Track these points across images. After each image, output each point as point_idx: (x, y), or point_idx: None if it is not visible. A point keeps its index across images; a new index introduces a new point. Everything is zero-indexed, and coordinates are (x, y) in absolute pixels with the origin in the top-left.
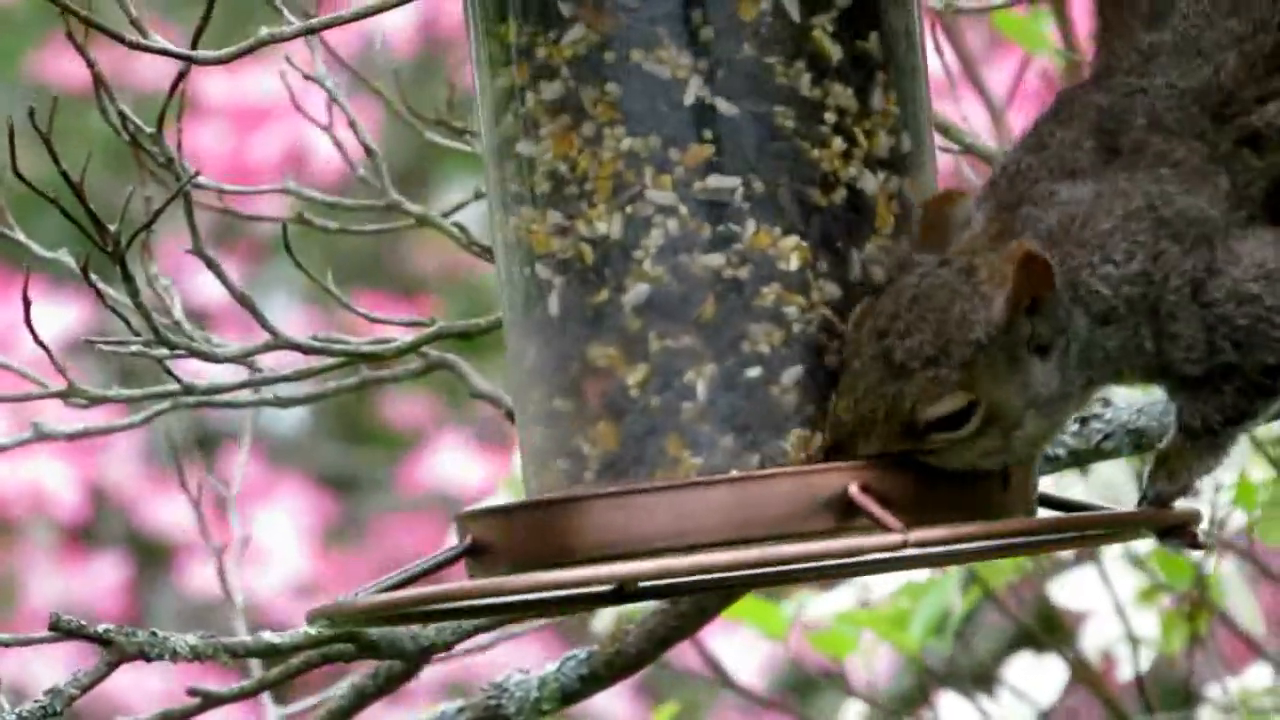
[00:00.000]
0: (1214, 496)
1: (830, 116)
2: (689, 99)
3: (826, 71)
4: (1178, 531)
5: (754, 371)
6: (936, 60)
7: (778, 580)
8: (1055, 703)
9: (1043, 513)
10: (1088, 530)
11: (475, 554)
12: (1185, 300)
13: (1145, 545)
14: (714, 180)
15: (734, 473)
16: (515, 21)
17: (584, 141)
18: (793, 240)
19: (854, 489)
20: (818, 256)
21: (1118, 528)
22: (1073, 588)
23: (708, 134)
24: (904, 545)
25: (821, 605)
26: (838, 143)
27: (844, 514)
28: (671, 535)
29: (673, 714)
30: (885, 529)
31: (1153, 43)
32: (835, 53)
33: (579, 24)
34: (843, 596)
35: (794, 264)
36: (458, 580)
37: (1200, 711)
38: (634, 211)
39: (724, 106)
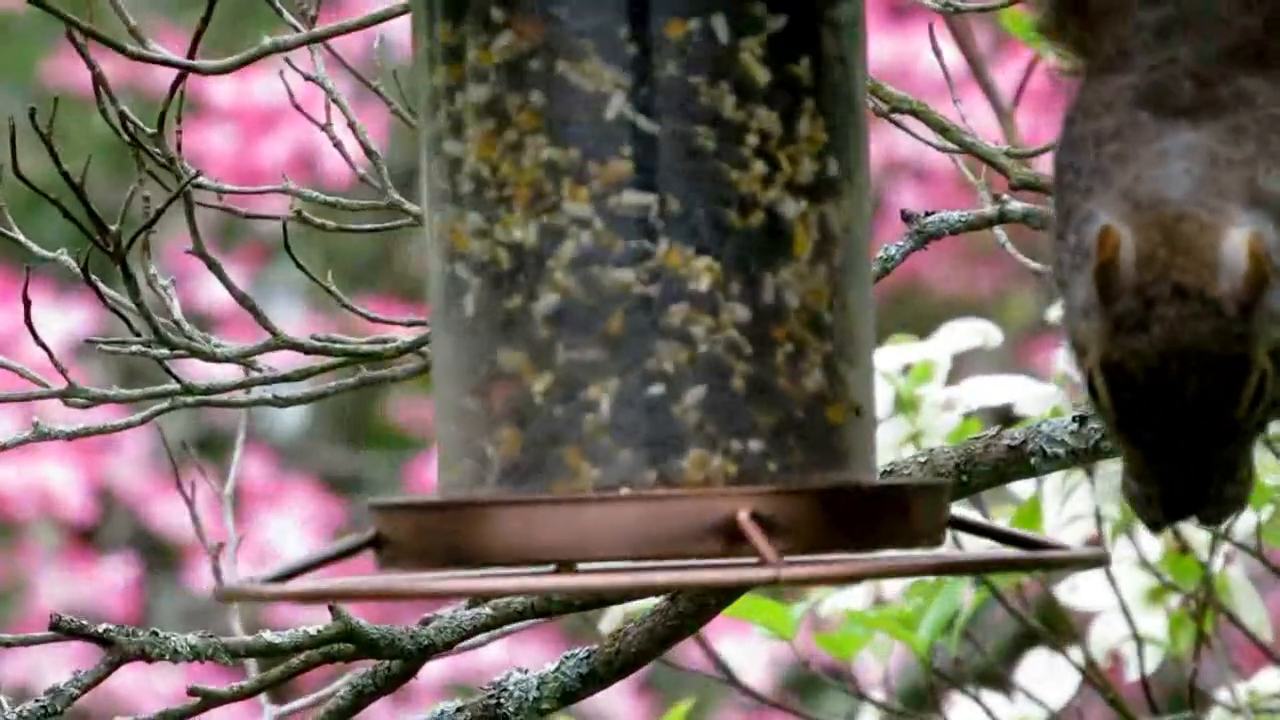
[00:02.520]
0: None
1: (753, 139)
2: (611, 114)
3: (752, 95)
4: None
5: (657, 389)
6: (935, 61)
7: (663, 591)
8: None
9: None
10: (980, 568)
11: (380, 546)
12: None
13: (1152, 547)
14: (630, 196)
15: (625, 491)
16: (450, 21)
17: (506, 147)
18: (705, 261)
19: (743, 515)
20: (730, 278)
21: (1016, 569)
22: (1081, 587)
23: (627, 150)
24: (776, 580)
25: (833, 604)
26: (759, 166)
27: (733, 540)
28: (570, 549)
29: (684, 713)
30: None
31: (1160, 18)
32: (762, 76)
33: (510, 30)
34: (854, 595)
35: (705, 284)
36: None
37: (1210, 714)
38: (550, 221)
39: (645, 123)
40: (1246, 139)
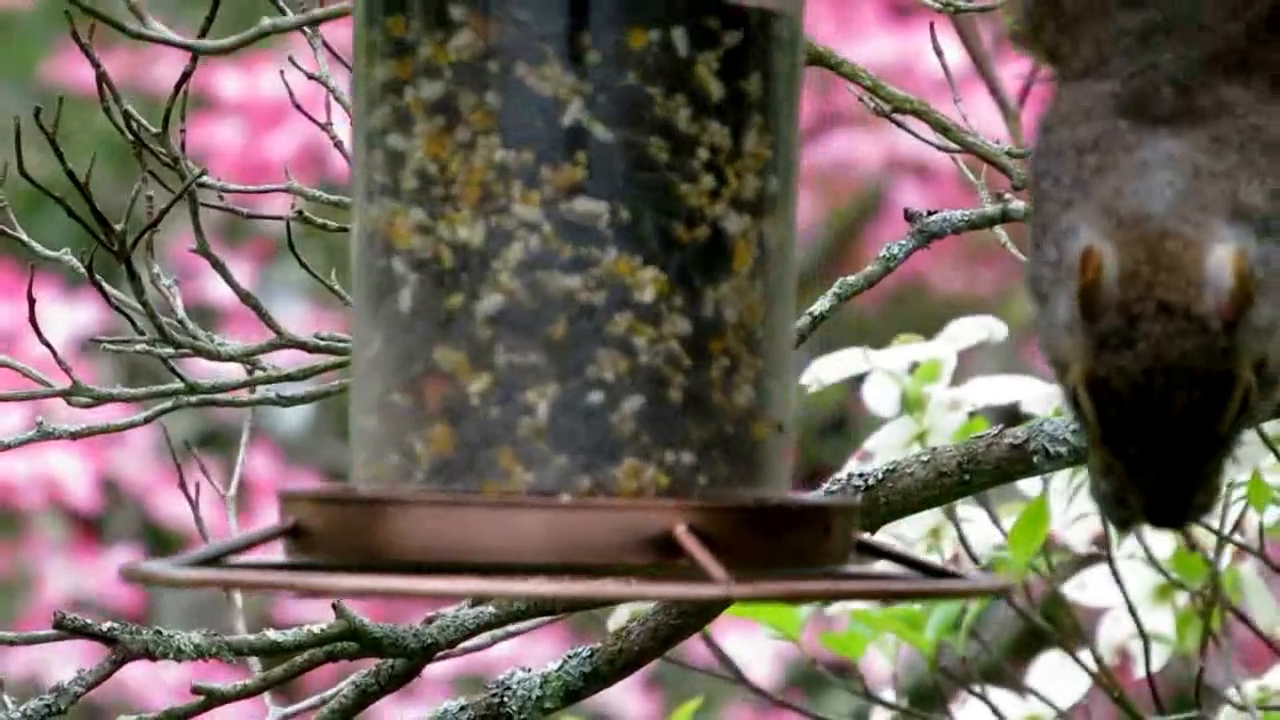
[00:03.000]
0: (1227, 495)
1: (704, 153)
2: (567, 120)
3: (706, 108)
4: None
5: (596, 397)
6: (937, 60)
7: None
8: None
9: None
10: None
11: (295, 535)
12: None
13: (1159, 545)
14: (581, 203)
15: (566, 498)
16: (405, 16)
17: (457, 146)
18: (652, 272)
19: (680, 529)
20: (674, 290)
21: (915, 597)
22: (1089, 585)
23: (581, 156)
24: (727, 598)
25: (841, 603)
26: (708, 180)
27: (666, 552)
28: (498, 552)
29: (693, 710)
30: (707, 574)
31: (1142, 24)
32: (716, 90)
33: (468, 29)
34: None
35: (650, 295)
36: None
37: (1220, 711)
38: (498, 223)
39: (600, 131)
40: (1228, 150)
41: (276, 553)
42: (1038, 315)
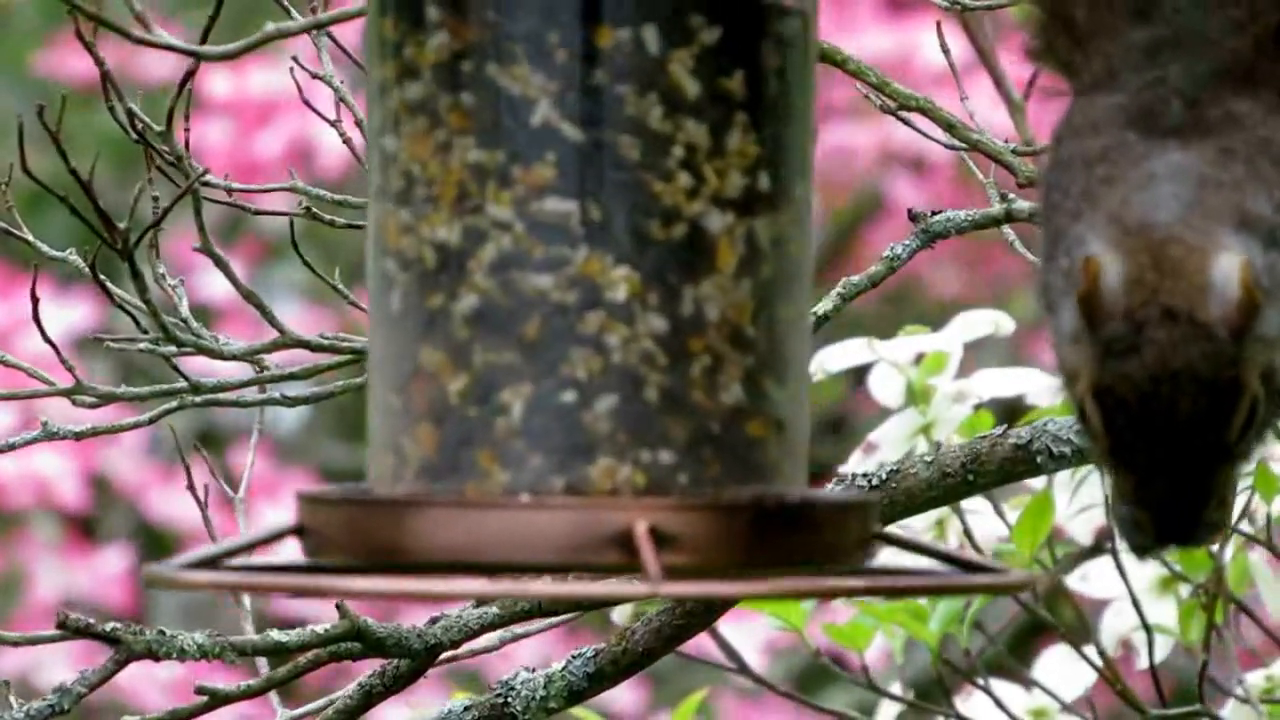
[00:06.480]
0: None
1: (679, 151)
2: (537, 119)
3: (680, 106)
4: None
5: (569, 396)
6: (934, 55)
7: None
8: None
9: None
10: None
11: (304, 535)
12: None
13: None
14: (552, 203)
15: (525, 497)
16: (392, 18)
17: (436, 146)
18: (624, 271)
19: (639, 528)
20: (648, 289)
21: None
22: (1092, 577)
23: (551, 156)
24: (654, 596)
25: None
26: (684, 178)
27: (633, 552)
28: (473, 551)
29: (695, 705)
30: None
31: (1152, 37)
32: (692, 88)
33: (444, 30)
34: None
35: (622, 294)
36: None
37: (1227, 703)
38: (473, 223)
39: (570, 130)
40: (1234, 161)
41: (275, 553)
42: (1048, 324)
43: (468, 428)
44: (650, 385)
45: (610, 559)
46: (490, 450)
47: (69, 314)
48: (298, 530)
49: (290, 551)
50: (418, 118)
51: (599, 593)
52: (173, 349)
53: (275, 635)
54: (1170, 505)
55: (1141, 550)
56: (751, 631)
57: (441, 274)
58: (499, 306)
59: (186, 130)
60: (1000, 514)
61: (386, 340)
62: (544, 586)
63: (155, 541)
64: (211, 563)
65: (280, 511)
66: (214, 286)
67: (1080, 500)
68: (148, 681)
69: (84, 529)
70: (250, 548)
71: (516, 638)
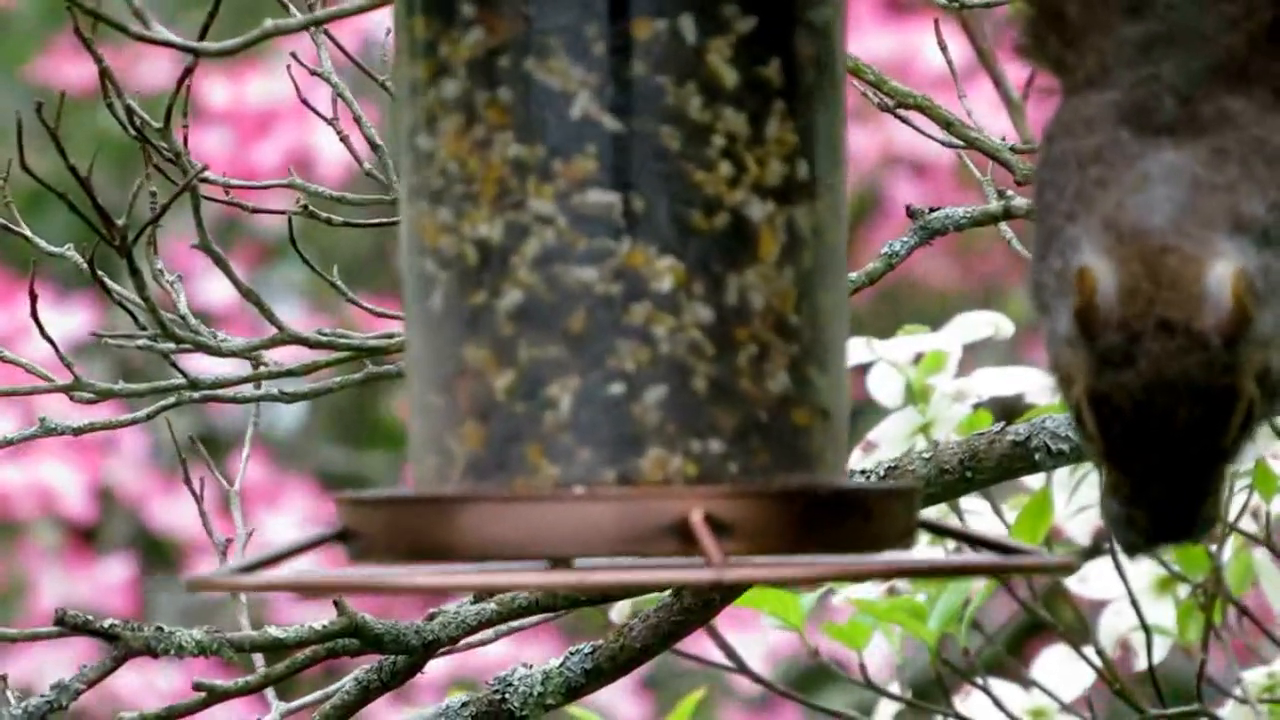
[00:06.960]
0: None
1: (719, 140)
2: (576, 112)
3: (719, 95)
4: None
5: (617, 388)
6: (933, 55)
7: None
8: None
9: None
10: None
11: (348, 538)
12: None
13: None
14: (594, 195)
15: (579, 489)
16: (424, 16)
17: (474, 143)
18: (669, 261)
19: (695, 516)
20: (693, 279)
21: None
22: (1090, 577)
23: (592, 149)
24: (719, 582)
25: (845, 594)
26: (725, 167)
27: (689, 540)
28: (527, 546)
29: (693, 705)
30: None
31: (1145, 33)
32: (730, 77)
33: (480, 26)
34: (865, 585)
35: (667, 285)
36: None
37: (1226, 704)
38: (515, 218)
39: (610, 122)
40: (1229, 162)
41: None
42: (1041, 324)
43: (515, 424)
44: (698, 375)
45: (666, 548)
46: (539, 445)
47: (68, 320)
48: (341, 535)
49: (300, 565)
50: (455, 115)
51: (658, 579)
52: (171, 346)
53: (273, 631)
54: (1166, 505)
55: (1133, 548)
56: (751, 643)
57: (484, 271)
58: (543, 301)
59: (185, 128)
60: (999, 514)
61: (426, 340)
62: (603, 574)
63: (156, 550)
64: (259, 568)
65: (279, 517)
66: (211, 291)
67: (1079, 500)
68: (146, 689)
69: (85, 537)
70: (294, 554)
71: (512, 631)
